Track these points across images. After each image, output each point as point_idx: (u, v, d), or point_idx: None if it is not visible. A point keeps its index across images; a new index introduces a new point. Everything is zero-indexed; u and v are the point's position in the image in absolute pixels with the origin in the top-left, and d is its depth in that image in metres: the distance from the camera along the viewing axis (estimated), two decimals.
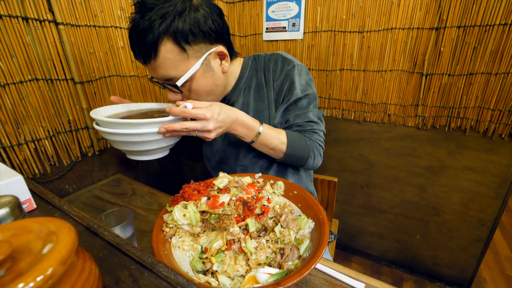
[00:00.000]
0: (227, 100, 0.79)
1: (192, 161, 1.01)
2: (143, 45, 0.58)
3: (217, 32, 0.64)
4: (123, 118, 0.64)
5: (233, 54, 0.73)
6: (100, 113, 0.62)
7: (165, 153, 0.65)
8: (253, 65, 0.79)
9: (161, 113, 0.70)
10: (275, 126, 0.75)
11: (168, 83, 0.65)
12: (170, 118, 0.56)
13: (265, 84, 0.77)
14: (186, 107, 0.55)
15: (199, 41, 0.61)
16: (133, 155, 0.62)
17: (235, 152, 0.82)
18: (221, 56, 0.68)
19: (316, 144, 0.73)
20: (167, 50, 0.59)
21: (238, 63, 0.79)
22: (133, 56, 1.04)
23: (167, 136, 0.56)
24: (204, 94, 0.69)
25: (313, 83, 0.78)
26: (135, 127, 0.54)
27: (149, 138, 0.55)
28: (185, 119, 0.59)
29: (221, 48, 0.66)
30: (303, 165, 0.74)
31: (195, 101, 0.58)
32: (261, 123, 0.67)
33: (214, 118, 0.56)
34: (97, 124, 0.58)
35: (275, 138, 0.68)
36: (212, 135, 0.58)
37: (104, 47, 0.95)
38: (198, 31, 0.60)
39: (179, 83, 0.62)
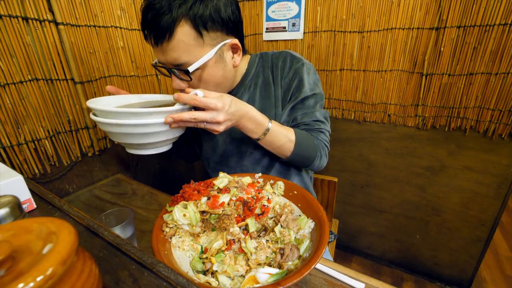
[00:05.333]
0: None
1: (187, 162, 1.00)
2: (158, 25, 0.56)
3: (234, 23, 0.63)
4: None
5: (244, 50, 0.72)
6: (97, 104, 0.58)
7: (168, 147, 0.62)
8: (260, 63, 0.79)
9: (164, 103, 0.67)
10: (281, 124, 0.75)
11: (178, 69, 0.62)
12: (176, 107, 0.53)
13: (272, 82, 0.76)
14: (196, 94, 0.52)
15: (217, 28, 0.60)
16: (134, 148, 0.58)
17: (237, 152, 0.81)
18: (234, 49, 0.67)
19: (323, 144, 0.73)
20: (184, 33, 0.57)
21: (245, 59, 0.78)
22: (133, 56, 1.05)
23: (174, 127, 0.54)
24: (213, 86, 0.67)
25: (320, 83, 0.77)
26: (140, 117, 0.50)
27: (153, 130, 0.52)
28: (191, 108, 0.57)
29: (235, 40, 0.65)
30: (309, 165, 0.73)
31: (205, 90, 0.55)
32: (270, 120, 0.65)
33: (225, 109, 0.54)
34: (94, 114, 0.53)
35: (283, 136, 0.66)
36: (221, 128, 0.56)
37: (104, 47, 0.95)
38: (217, 18, 0.59)
39: (191, 68, 0.60)
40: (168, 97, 0.70)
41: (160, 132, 0.53)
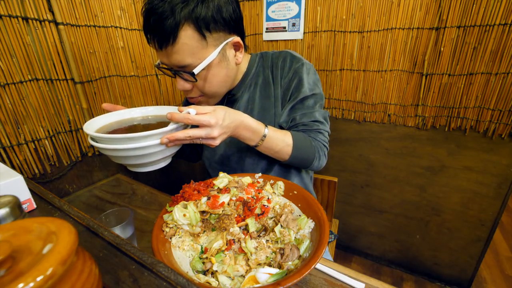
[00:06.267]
0: (231, 95, 0.78)
1: (191, 162, 1.00)
2: (162, 29, 0.56)
3: (235, 21, 0.63)
4: (118, 128, 0.60)
5: (245, 47, 0.72)
6: (94, 125, 0.58)
7: (167, 161, 0.62)
8: (260, 62, 0.79)
9: (160, 118, 0.67)
10: (280, 125, 0.75)
11: (183, 71, 0.62)
12: (171, 127, 0.53)
13: (272, 82, 0.76)
14: (189, 113, 0.53)
15: (219, 29, 0.60)
16: (134, 167, 0.59)
17: (236, 153, 0.81)
18: (236, 47, 0.67)
19: (321, 145, 0.73)
20: (187, 36, 0.57)
21: (246, 58, 0.78)
22: (133, 56, 1.05)
23: (170, 146, 0.54)
24: (217, 85, 0.68)
25: (320, 83, 0.77)
26: (136, 141, 0.50)
27: (151, 151, 0.52)
28: (186, 126, 0.57)
29: (237, 38, 0.65)
30: (308, 166, 0.73)
31: (198, 106, 0.55)
32: (266, 126, 0.65)
33: (219, 124, 0.54)
34: (92, 139, 0.54)
35: (280, 141, 0.66)
36: (217, 142, 0.56)
37: (104, 47, 0.95)
38: (219, 18, 0.59)
39: (196, 70, 0.60)
40: (164, 109, 0.69)
41: (157, 151, 0.54)
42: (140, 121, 0.66)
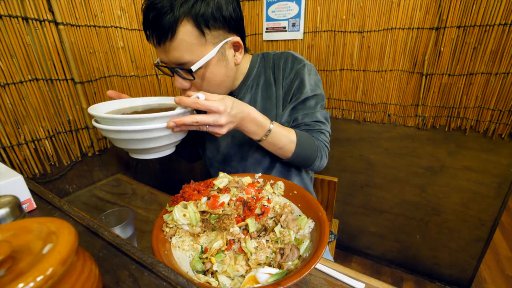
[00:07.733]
0: (233, 96, 0.78)
1: (190, 162, 1.00)
2: (160, 25, 0.56)
3: (235, 20, 0.63)
4: (124, 114, 0.59)
5: (245, 48, 0.72)
6: (98, 110, 0.58)
7: (171, 150, 0.61)
8: (261, 63, 0.79)
9: (165, 107, 0.66)
10: (282, 125, 0.75)
11: (181, 68, 0.62)
12: (178, 111, 0.52)
13: (274, 82, 0.76)
14: (198, 97, 0.52)
15: (218, 27, 0.60)
16: (137, 153, 0.58)
17: (238, 152, 0.81)
18: (235, 47, 0.67)
19: (323, 145, 0.73)
20: (186, 32, 0.57)
21: (247, 59, 0.78)
22: (133, 56, 1.05)
23: (176, 131, 0.53)
24: (216, 84, 0.67)
25: (321, 84, 0.77)
26: (142, 122, 0.49)
27: (156, 134, 0.52)
28: (193, 112, 0.57)
29: (237, 38, 0.65)
30: (310, 165, 0.73)
31: (206, 92, 0.55)
32: (271, 121, 0.65)
33: (227, 112, 0.54)
34: (96, 121, 0.53)
35: (284, 137, 0.66)
36: (223, 130, 0.56)
37: (104, 47, 0.95)
38: (219, 16, 0.59)
39: (194, 67, 0.60)
40: (169, 99, 0.69)
41: (163, 136, 0.53)
42: (144, 108, 0.65)
